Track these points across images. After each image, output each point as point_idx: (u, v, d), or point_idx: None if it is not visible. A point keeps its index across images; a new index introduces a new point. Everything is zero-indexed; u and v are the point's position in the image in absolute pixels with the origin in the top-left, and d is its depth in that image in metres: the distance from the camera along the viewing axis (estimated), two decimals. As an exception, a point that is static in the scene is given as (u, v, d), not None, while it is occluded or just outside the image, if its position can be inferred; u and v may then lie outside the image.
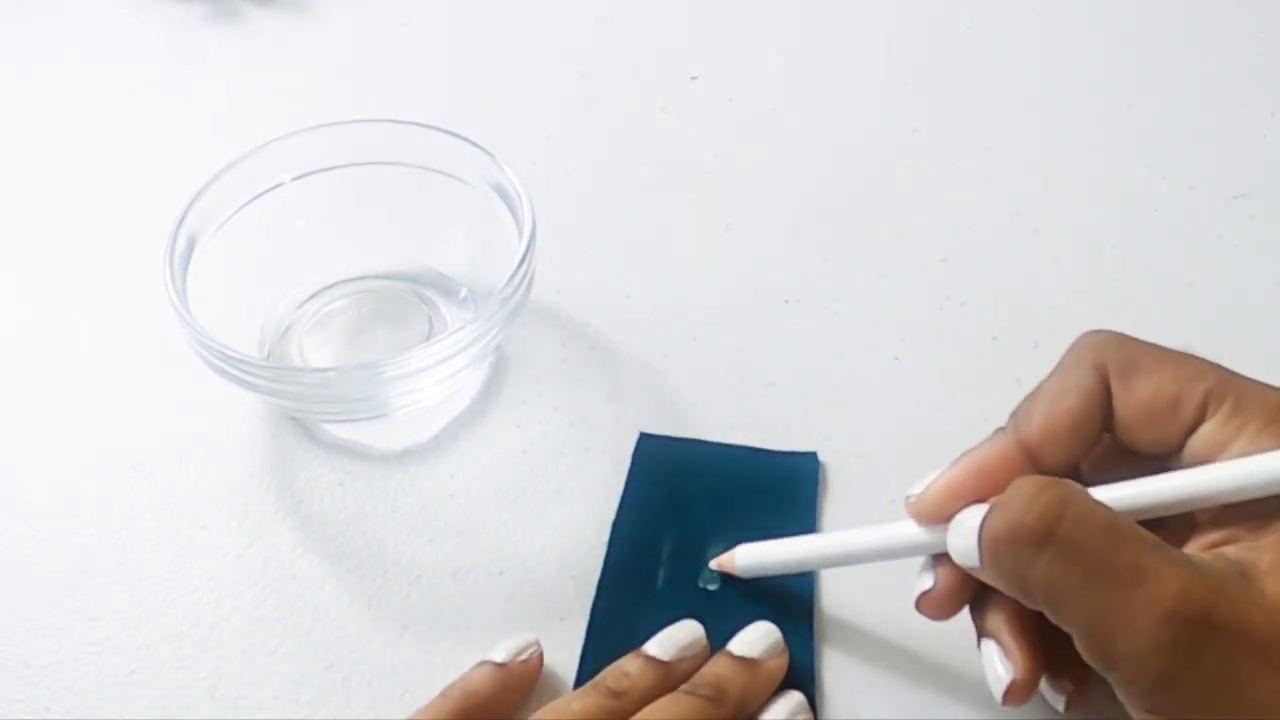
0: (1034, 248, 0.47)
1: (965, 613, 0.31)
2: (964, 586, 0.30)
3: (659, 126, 0.53)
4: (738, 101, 0.54)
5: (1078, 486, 0.27)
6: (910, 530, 0.31)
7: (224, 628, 0.35)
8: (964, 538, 0.29)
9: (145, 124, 0.54)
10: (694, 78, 0.55)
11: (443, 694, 0.32)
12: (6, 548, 0.37)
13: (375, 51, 0.58)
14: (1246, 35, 0.57)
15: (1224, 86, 0.54)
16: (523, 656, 0.33)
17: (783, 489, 0.38)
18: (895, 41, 0.57)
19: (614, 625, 0.35)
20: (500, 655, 0.33)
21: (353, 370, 0.38)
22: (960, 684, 0.33)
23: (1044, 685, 0.31)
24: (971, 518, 0.29)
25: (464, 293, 0.43)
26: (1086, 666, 0.28)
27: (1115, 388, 0.30)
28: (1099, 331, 0.31)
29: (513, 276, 0.37)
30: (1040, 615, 0.28)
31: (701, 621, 0.34)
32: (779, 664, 0.33)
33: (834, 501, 0.38)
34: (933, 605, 0.31)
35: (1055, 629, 0.28)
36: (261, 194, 0.41)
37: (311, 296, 0.43)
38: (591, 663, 0.34)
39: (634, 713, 0.30)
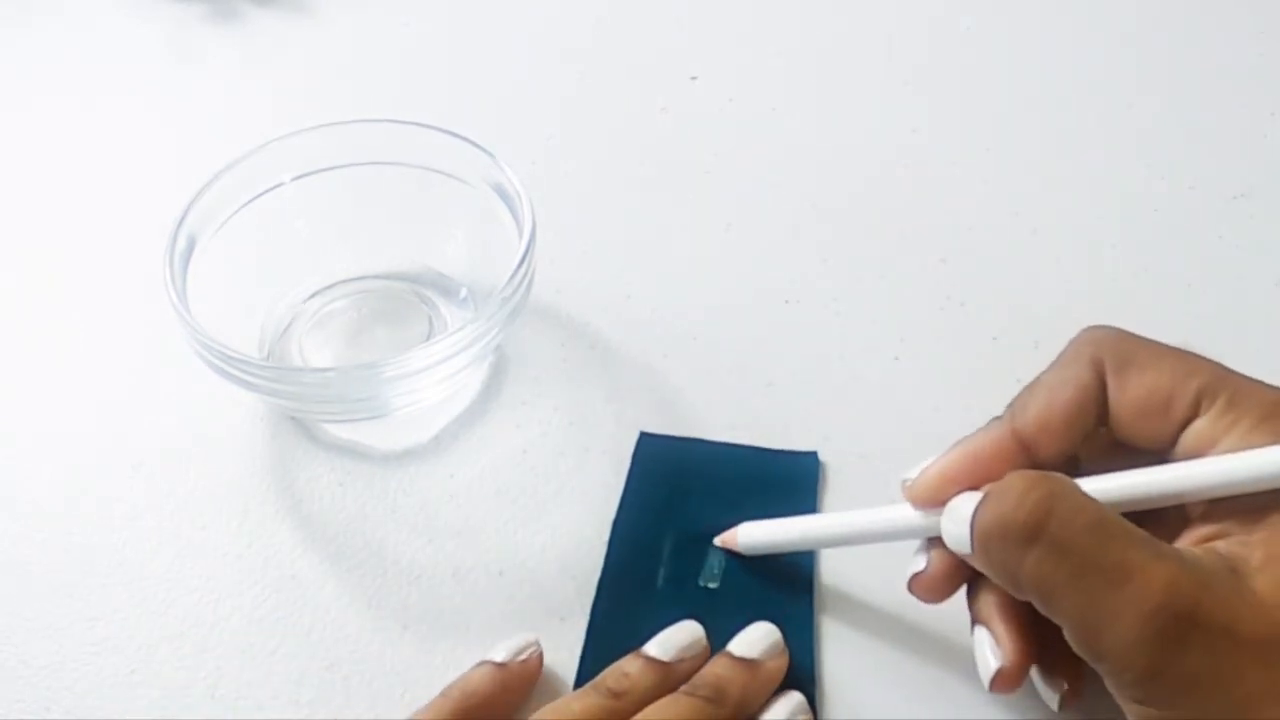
0: (1034, 248, 0.47)
1: (967, 617, 0.31)
2: (956, 571, 0.31)
3: (659, 126, 0.53)
4: (738, 101, 0.54)
5: (1068, 481, 0.28)
6: (908, 513, 0.31)
7: (224, 628, 0.35)
8: (957, 525, 0.29)
9: (145, 124, 0.54)
10: (694, 78, 0.55)
11: (442, 694, 0.32)
12: (6, 548, 0.37)
13: (375, 51, 0.58)
14: (1246, 35, 0.57)
15: (1224, 86, 0.54)
16: (522, 656, 0.33)
17: (783, 488, 0.38)
18: (895, 41, 0.57)
19: (614, 625, 0.35)
20: (500, 655, 0.33)
21: (353, 370, 0.38)
22: (960, 685, 0.33)
23: (1039, 684, 0.31)
24: (964, 506, 0.29)
25: (464, 293, 0.43)
26: (1082, 665, 0.28)
27: (1111, 382, 0.30)
28: (1098, 327, 0.31)
29: (513, 276, 0.37)
30: (1033, 605, 0.28)
31: (701, 621, 0.34)
32: (779, 664, 0.33)
33: (834, 501, 0.38)
34: (924, 586, 0.31)
35: (1049, 624, 0.28)
36: (261, 194, 0.41)
37: (311, 296, 0.43)
38: (591, 663, 0.34)
39: (634, 713, 0.30)
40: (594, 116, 0.53)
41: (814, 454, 0.39)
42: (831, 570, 0.36)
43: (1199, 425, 0.29)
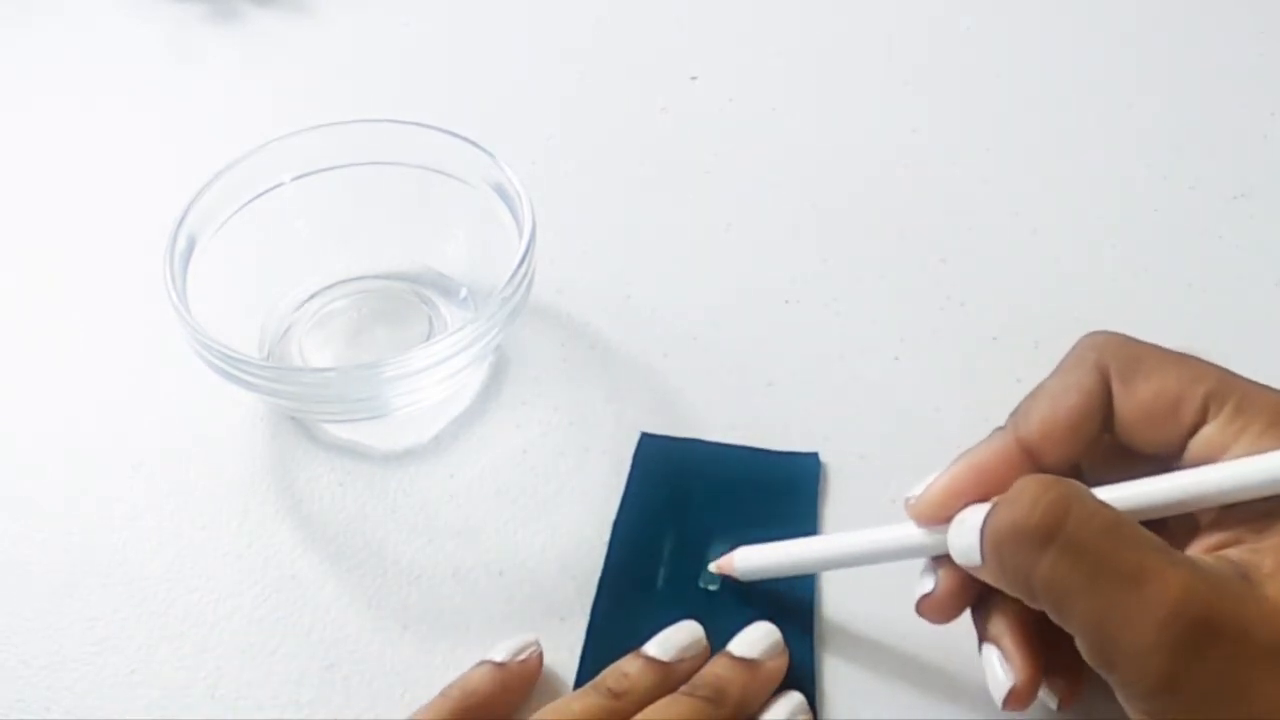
0: (1034, 248, 0.47)
1: (966, 617, 0.31)
2: (965, 590, 0.30)
3: (659, 126, 0.53)
4: (738, 101, 0.54)
5: (1081, 486, 0.27)
6: (911, 532, 0.31)
7: (224, 628, 0.35)
8: (965, 536, 0.29)
9: (145, 124, 0.54)
10: (694, 78, 0.55)
11: (442, 694, 0.32)
12: (6, 548, 0.37)
13: (375, 51, 0.58)
14: (1246, 35, 0.57)
15: (1224, 86, 0.54)
16: (522, 656, 0.33)
17: (783, 489, 0.38)
18: (895, 41, 0.57)
19: (614, 625, 0.35)
20: (500, 655, 0.33)
21: (353, 370, 0.38)
22: (960, 685, 0.33)
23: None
24: (973, 517, 0.28)
25: (464, 293, 0.43)
26: (1082, 666, 0.28)
27: (1116, 388, 0.30)
28: (1102, 332, 0.31)
29: (513, 276, 0.37)
30: (1041, 619, 0.28)
31: (702, 622, 0.34)
32: (779, 664, 0.33)
33: (834, 501, 0.38)
34: (933, 608, 0.31)
35: (1053, 628, 0.28)
36: (261, 194, 0.41)
37: (311, 296, 0.43)
38: (591, 663, 0.34)
39: (634, 713, 0.30)
40: (594, 116, 0.53)
41: (815, 455, 0.39)
42: (832, 571, 0.36)
43: (1208, 431, 0.28)
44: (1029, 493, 0.27)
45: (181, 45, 0.58)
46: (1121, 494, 0.28)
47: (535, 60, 0.57)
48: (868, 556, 0.32)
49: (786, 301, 0.45)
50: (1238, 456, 0.28)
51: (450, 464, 0.39)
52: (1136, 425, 0.30)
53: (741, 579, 0.35)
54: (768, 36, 0.58)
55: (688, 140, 0.52)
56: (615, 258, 0.46)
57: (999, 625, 0.30)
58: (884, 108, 0.54)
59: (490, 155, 0.40)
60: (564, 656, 0.34)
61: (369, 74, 0.56)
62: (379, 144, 0.42)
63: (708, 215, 0.48)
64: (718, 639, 0.33)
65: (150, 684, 0.34)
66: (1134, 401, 0.30)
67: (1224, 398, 0.28)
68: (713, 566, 0.35)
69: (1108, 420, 0.30)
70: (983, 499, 0.29)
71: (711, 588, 0.35)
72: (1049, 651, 0.30)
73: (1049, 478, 0.27)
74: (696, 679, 0.32)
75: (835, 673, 0.34)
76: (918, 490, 0.31)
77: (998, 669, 0.30)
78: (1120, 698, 0.27)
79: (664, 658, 0.32)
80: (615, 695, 0.31)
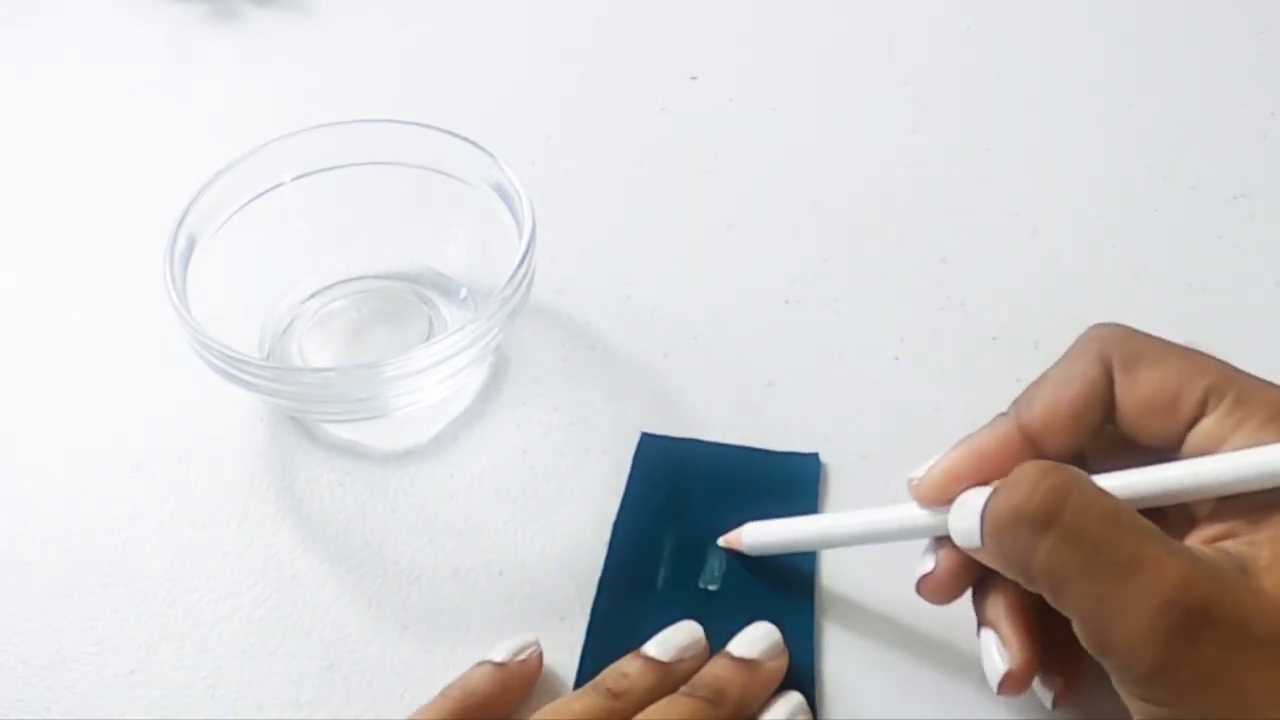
0: (1034, 248, 0.47)
1: (966, 618, 0.31)
2: (965, 571, 0.31)
3: (659, 126, 0.53)
4: (738, 101, 0.54)
5: (1081, 473, 0.27)
6: (916, 512, 0.31)
7: (224, 628, 0.35)
8: (965, 519, 0.29)
9: (145, 124, 0.54)
10: (694, 78, 0.55)
11: (442, 694, 0.32)
12: (6, 548, 0.37)
13: (375, 51, 0.58)
14: (1246, 35, 0.57)
15: (1224, 86, 0.54)
16: (522, 656, 0.33)
17: (784, 489, 0.38)
18: (895, 41, 0.57)
19: (614, 625, 0.35)
20: (500, 655, 0.33)
21: (353, 370, 0.38)
22: (959, 686, 0.33)
23: (1035, 681, 0.31)
24: (974, 499, 0.29)
25: (464, 293, 0.43)
26: (1079, 662, 0.28)
27: (1119, 379, 0.30)
28: (1106, 324, 0.31)
29: (513, 276, 0.37)
30: (1040, 607, 0.28)
31: (702, 622, 0.34)
32: (778, 665, 0.33)
33: (835, 502, 0.38)
34: (932, 588, 0.31)
35: (1052, 621, 0.28)
36: (261, 194, 0.41)
37: (311, 296, 0.43)
38: (591, 663, 0.34)
39: (633, 714, 0.30)
40: (594, 116, 0.53)
41: (815, 455, 0.39)
42: (832, 571, 0.36)
43: (1206, 424, 0.29)
44: (1029, 478, 0.27)
45: (181, 45, 0.58)
46: (1120, 482, 0.28)
47: (535, 60, 0.57)
48: (873, 535, 0.33)
49: (786, 301, 0.45)
50: (1234, 449, 0.28)
51: (450, 464, 0.39)
52: (1137, 416, 0.30)
53: (749, 554, 0.35)
54: (768, 36, 0.58)
55: (688, 140, 0.52)
56: (615, 258, 0.46)
57: (997, 609, 0.30)
58: (884, 108, 0.54)
59: (490, 155, 0.40)
60: (564, 656, 0.34)
61: (369, 74, 0.56)
62: (379, 144, 0.42)
63: (708, 215, 0.48)
64: (718, 639, 0.33)
65: (150, 684, 0.34)
66: (1135, 394, 0.30)
67: (1224, 391, 0.29)
68: (721, 540, 0.36)
69: (1109, 411, 0.30)
70: (983, 483, 0.29)
71: (711, 588, 0.35)
72: (1047, 646, 0.30)
73: (1049, 464, 0.28)
74: (696, 679, 0.32)
75: (835, 673, 0.34)
76: (919, 472, 0.31)
77: (994, 652, 0.30)
78: (1115, 682, 0.27)
79: (663, 658, 0.32)
80: (615, 695, 0.31)
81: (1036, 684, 0.31)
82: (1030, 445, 0.30)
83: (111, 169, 0.51)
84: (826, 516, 0.36)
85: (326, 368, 0.41)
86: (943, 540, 0.31)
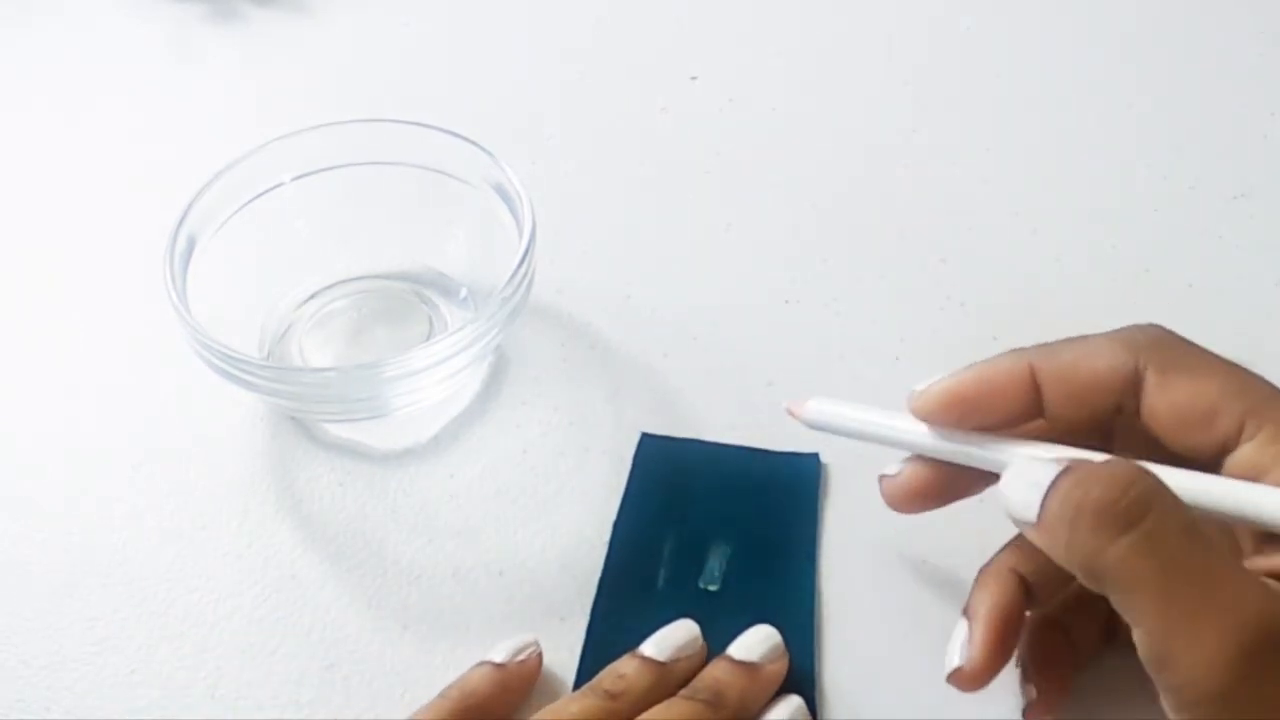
0: (1034, 248, 0.47)
1: (966, 623, 0.31)
2: (929, 493, 0.31)
3: (659, 126, 0.53)
4: (738, 101, 0.54)
5: (1163, 481, 0.26)
6: (985, 440, 0.30)
7: (224, 628, 0.35)
8: (1023, 491, 0.27)
9: (145, 124, 0.54)
10: (694, 78, 0.55)
11: (441, 694, 0.32)
12: (6, 548, 0.37)
13: (375, 51, 0.58)
14: (1246, 35, 0.57)
15: (1224, 86, 0.54)
16: (521, 657, 0.33)
17: (784, 489, 0.38)
18: (895, 41, 0.57)
19: (614, 625, 0.35)
20: (499, 655, 0.33)
21: (353, 370, 0.38)
22: (960, 690, 0.33)
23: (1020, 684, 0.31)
24: (1037, 473, 0.27)
25: (464, 293, 0.43)
26: (1066, 680, 0.27)
27: (1151, 379, 0.29)
28: (1150, 324, 0.31)
29: (513, 276, 0.37)
30: (1025, 616, 0.28)
31: (701, 623, 0.34)
32: (778, 668, 0.33)
33: (834, 501, 0.38)
34: (889, 491, 0.32)
35: (1044, 634, 0.28)
36: (261, 194, 0.41)
37: (311, 296, 0.43)
38: (591, 663, 0.34)
39: (632, 714, 0.30)
40: (594, 117, 0.53)
41: (815, 455, 0.39)
42: (832, 573, 0.36)
43: (1246, 450, 0.28)
44: (1122, 476, 0.26)
45: (181, 45, 0.58)
46: (1181, 483, 0.27)
47: (535, 60, 0.57)
48: (940, 450, 0.32)
49: (786, 301, 0.45)
50: (1275, 482, 0.27)
51: (450, 464, 0.39)
52: (1168, 423, 0.29)
53: (808, 426, 0.34)
54: (768, 36, 0.58)
55: (688, 140, 0.52)
56: (615, 258, 0.46)
57: (983, 605, 0.30)
58: (884, 108, 0.54)
59: (490, 155, 0.40)
60: (564, 656, 0.34)
61: (369, 74, 0.56)
62: (379, 144, 0.42)
63: (708, 215, 0.48)
64: (718, 641, 0.33)
65: (150, 684, 0.34)
66: (1168, 398, 0.29)
67: (1263, 416, 0.28)
68: (786, 405, 0.35)
69: (1124, 404, 0.29)
70: (981, 412, 0.30)
71: (711, 588, 0.35)
72: (1039, 658, 0.30)
73: (1137, 465, 0.27)
74: (696, 682, 0.32)
75: (835, 676, 0.34)
76: (921, 386, 0.31)
77: (957, 644, 0.31)
78: (1166, 703, 0.26)
79: (660, 658, 0.32)
80: (612, 696, 0.31)
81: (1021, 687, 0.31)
82: (1034, 393, 0.30)
83: (112, 169, 0.51)
84: (898, 416, 0.33)
85: (326, 368, 0.41)
86: (916, 457, 0.31)
